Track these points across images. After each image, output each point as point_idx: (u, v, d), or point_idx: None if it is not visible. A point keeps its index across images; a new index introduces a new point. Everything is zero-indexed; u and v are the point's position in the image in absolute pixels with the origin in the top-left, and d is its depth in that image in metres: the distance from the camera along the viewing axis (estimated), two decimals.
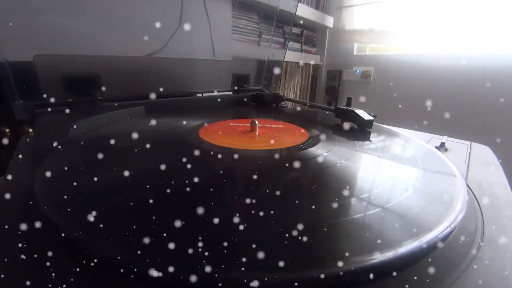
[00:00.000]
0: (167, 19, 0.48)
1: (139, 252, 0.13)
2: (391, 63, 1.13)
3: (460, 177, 0.25)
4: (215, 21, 0.54)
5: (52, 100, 0.35)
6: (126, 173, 0.21)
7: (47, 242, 0.15)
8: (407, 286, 0.13)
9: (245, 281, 0.12)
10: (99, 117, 0.36)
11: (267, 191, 0.21)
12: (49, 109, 0.34)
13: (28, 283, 0.12)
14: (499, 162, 0.34)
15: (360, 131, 0.40)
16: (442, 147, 0.37)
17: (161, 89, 0.48)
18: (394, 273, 0.14)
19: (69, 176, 0.22)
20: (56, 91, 0.36)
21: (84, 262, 0.13)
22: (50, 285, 0.12)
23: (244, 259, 0.13)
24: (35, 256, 0.14)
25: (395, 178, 0.26)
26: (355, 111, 0.41)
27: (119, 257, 0.13)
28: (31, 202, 0.18)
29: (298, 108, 0.65)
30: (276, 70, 0.67)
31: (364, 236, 0.16)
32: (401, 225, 0.18)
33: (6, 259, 0.14)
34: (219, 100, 0.57)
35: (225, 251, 0.14)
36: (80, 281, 0.13)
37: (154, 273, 0.12)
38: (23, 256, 0.14)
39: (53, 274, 0.13)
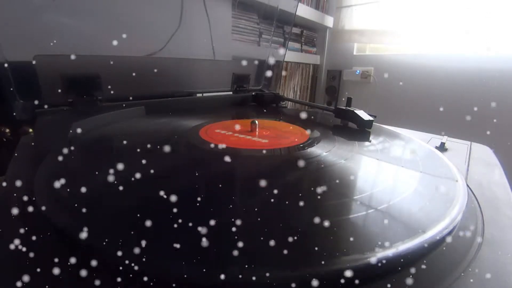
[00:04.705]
0: (167, 19, 0.48)
1: (139, 253, 0.13)
2: (391, 63, 1.13)
3: (460, 177, 0.25)
4: (215, 21, 0.54)
5: (52, 100, 0.36)
6: (127, 174, 0.21)
7: (46, 242, 0.15)
8: (406, 286, 0.13)
9: (245, 281, 0.12)
10: (99, 117, 0.36)
11: (267, 191, 0.21)
12: (49, 109, 0.34)
13: (26, 283, 0.12)
14: (499, 162, 0.34)
15: (360, 132, 0.40)
16: (442, 147, 0.37)
17: (161, 89, 0.49)
18: (393, 273, 0.14)
19: (69, 176, 0.22)
20: (56, 91, 0.36)
21: (84, 262, 0.13)
22: (48, 285, 0.12)
23: (243, 259, 0.13)
24: (34, 256, 0.14)
25: (395, 179, 0.26)
26: (355, 111, 0.41)
27: (119, 258, 0.13)
28: (30, 202, 0.18)
29: (298, 108, 0.65)
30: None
31: (362, 237, 0.16)
32: (400, 226, 0.18)
33: (5, 259, 0.14)
34: (219, 100, 0.58)
35: (224, 250, 0.14)
36: (79, 281, 0.13)
37: (154, 273, 0.12)
38: (21, 256, 0.14)
39: (53, 274, 0.13)
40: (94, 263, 0.13)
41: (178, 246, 0.14)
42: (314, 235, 0.16)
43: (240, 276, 0.12)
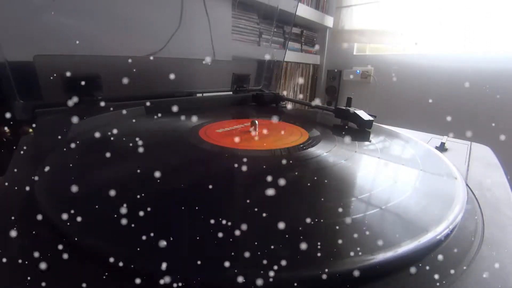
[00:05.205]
0: (167, 19, 0.48)
1: (139, 252, 0.13)
2: (391, 63, 1.13)
3: (460, 177, 0.25)
4: (215, 21, 0.54)
5: (52, 100, 0.35)
6: (127, 174, 0.21)
7: (46, 242, 0.15)
8: (407, 286, 0.13)
9: (245, 281, 0.12)
10: (99, 117, 0.36)
11: (267, 191, 0.21)
12: (49, 109, 0.34)
13: (25, 283, 0.12)
14: (499, 162, 0.34)
15: (360, 132, 0.40)
16: (442, 147, 0.37)
17: (161, 89, 0.49)
18: (393, 274, 0.14)
19: (69, 176, 0.22)
20: (56, 91, 0.36)
21: (84, 262, 0.13)
22: (48, 285, 0.12)
23: (243, 259, 0.13)
24: (34, 256, 0.14)
25: (395, 179, 0.26)
26: (355, 111, 0.41)
27: (119, 257, 0.13)
28: (30, 202, 0.18)
29: (298, 108, 0.65)
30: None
31: (363, 237, 0.16)
32: (400, 226, 0.18)
33: (5, 260, 0.14)
34: (219, 100, 0.58)
35: (224, 250, 0.14)
36: (79, 282, 0.13)
37: (153, 273, 0.12)
38: (21, 257, 0.14)
39: (52, 275, 0.13)
40: (93, 262, 0.13)
41: (177, 245, 0.14)
42: (314, 236, 0.16)
43: (242, 277, 0.12)
